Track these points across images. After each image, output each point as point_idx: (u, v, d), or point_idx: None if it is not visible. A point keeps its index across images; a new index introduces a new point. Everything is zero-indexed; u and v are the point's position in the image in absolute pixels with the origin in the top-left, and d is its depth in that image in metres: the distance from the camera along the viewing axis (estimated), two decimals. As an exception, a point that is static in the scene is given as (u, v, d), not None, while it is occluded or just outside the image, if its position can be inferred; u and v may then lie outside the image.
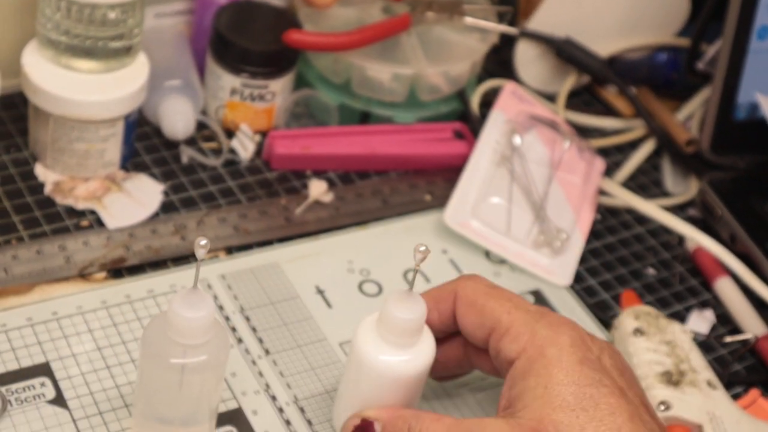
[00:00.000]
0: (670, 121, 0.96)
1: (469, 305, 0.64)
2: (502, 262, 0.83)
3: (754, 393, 0.76)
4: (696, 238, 0.85)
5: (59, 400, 0.66)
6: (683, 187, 0.94)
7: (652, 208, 0.88)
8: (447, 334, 0.67)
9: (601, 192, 0.90)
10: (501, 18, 0.94)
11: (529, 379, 0.60)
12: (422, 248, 0.61)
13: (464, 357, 0.68)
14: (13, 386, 0.66)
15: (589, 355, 0.61)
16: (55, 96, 0.77)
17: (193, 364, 0.60)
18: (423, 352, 0.64)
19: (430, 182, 0.88)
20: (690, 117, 0.98)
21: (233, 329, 0.73)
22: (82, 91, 0.78)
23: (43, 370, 0.67)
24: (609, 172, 0.93)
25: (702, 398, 0.72)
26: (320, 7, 0.88)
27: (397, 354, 0.63)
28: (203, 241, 0.57)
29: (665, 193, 0.94)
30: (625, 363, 0.63)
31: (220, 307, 0.74)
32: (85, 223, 0.78)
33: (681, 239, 0.89)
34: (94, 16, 0.76)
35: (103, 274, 0.75)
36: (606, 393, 0.59)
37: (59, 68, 0.78)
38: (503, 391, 0.62)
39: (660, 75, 1.00)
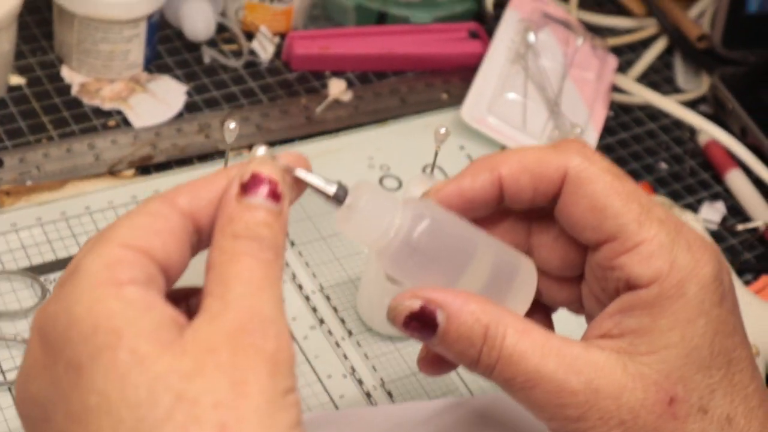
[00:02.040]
0: (682, 18, 0.97)
1: (584, 196, 0.50)
2: (518, 157, 0.85)
3: (764, 279, 0.78)
4: (709, 130, 0.87)
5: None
6: (695, 84, 0.95)
7: (666, 102, 0.89)
8: (517, 206, 0.53)
9: (614, 89, 0.92)
10: None
11: (661, 318, 0.49)
12: (442, 130, 0.60)
13: (524, 243, 0.55)
14: (51, 276, 0.69)
15: (725, 290, 0.51)
16: (79, -3, 0.79)
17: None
18: None
19: (446, 81, 0.90)
20: (702, 14, 0.99)
21: (259, 222, 0.75)
22: (106, -7, 0.79)
23: (79, 261, 0.70)
24: (621, 70, 0.94)
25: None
26: None
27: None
28: (232, 125, 0.58)
29: (677, 90, 0.95)
30: (731, 277, 0.52)
31: (246, 202, 0.76)
32: (112, 122, 0.80)
33: (692, 134, 0.90)
34: None
35: (131, 171, 0.77)
36: (737, 343, 0.50)
37: (82, -30, 0.80)
38: (609, 310, 0.51)
39: (672, -27, 1.01)
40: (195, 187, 0.45)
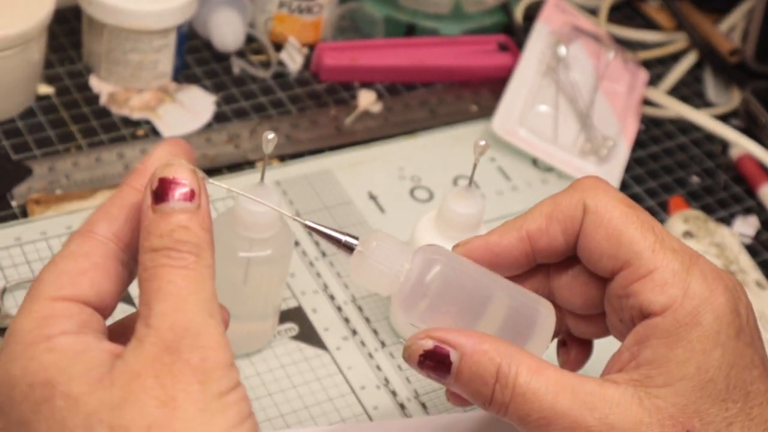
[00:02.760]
0: (713, 33, 0.97)
1: (600, 225, 0.52)
2: (549, 169, 0.84)
3: (800, 293, 0.77)
4: (742, 143, 0.86)
5: (125, 298, 0.68)
6: (725, 98, 0.95)
7: (699, 116, 0.89)
8: (554, 257, 0.54)
9: (645, 102, 0.91)
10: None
11: (677, 348, 0.49)
12: (482, 142, 0.61)
13: (545, 287, 0.56)
14: (82, 284, 0.68)
15: (742, 323, 0.50)
16: (109, 6, 0.78)
17: (259, 257, 0.62)
18: None
19: (476, 93, 0.89)
20: (732, 29, 0.98)
21: (290, 232, 0.75)
22: (136, 1, 0.79)
23: (109, 269, 0.69)
24: (651, 84, 0.94)
25: (752, 298, 0.73)
26: None
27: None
28: (270, 135, 0.58)
29: (707, 104, 0.94)
30: (753, 311, 0.53)
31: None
32: (140, 132, 0.80)
33: (724, 148, 0.89)
34: (147, -74, 0.77)
35: (161, 181, 0.76)
36: (756, 377, 0.50)
37: (112, -21, 0.79)
38: (627, 343, 0.51)
39: (701, -13, 1.00)
40: (107, 210, 0.47)
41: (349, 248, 0.51)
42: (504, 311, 0.52)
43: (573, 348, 0.57)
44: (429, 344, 0.49)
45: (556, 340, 0.57)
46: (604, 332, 0.55)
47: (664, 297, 0.49)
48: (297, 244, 0.74)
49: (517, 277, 0.55)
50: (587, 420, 0.48)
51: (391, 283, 0.51)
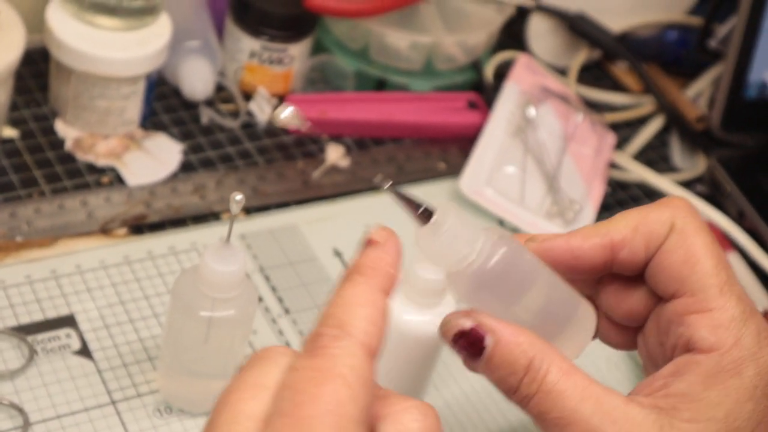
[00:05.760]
0: (680, 98, 0.97)
1: (682, 247, 0.51)
2: (515, 231, 0.84)
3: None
4: (705, 212, 0.87)
5: (84, 352, 0.67)
6: (691, 164, 0.95)
7: (663, 182, 0.89)
8: (630, 270, 0.54)
9: (612, 165, 0.91)
10: (517, -10, 0.95)
11: (712, 390, 0.49)
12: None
13: (592, 288, 0.55)
14: (39, 336, 0.67)
15: None
16: (78, 52, 0.77)
17: (221, 317, 0.61)
18: (446, 313, 0.65)
19: (444, 151, 0.89)
20: (699, 95, 0.99)
21: (253, 288, 0.74)
22: (106, 48, 0.78)
23: (68, 321, 0.68)
24: (618, 146, 0.94)
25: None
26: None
27: (420, 314, 0.64)
28: (238, 197, 0.58)
29: (673, 169, 0.95)
30: None
31: (240, 266, 0.75)
32: (105, 179, 0.79)
33: (689, 214, 0.90)
34: (120, -27, 0.77)
35: (124, 230, 0.75)
36: None
37: (83, 24, 0.79)
38: (663, 372, 0.51)
39: (669, 52, 1.01)
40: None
41: (425, 217, 0.50)
42: (544, 302, 0.52)
43: None
44: (468, 324, 0.50)
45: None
46: (632, 345, 0.56)
47: (715, 338, 0.50)
48: (260, 300, 0.73)
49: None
50: (605, 431, 0.48)
51: (459, 261, 0.50)
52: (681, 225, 0.52)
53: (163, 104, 0.86)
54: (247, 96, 0.88)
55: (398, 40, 0.89)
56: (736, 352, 0.49)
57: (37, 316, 0.68)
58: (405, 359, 0.66)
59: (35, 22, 0.81)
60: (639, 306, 0.54)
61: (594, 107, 0.97)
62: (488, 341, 0.50)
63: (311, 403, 0.41)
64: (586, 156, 0.89)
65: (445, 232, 0.50)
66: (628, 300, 0.54)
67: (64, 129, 0.81)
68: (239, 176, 0.81)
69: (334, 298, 0.45)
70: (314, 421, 0.40)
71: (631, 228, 0.52)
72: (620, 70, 1.02)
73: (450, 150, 0.89)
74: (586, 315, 0.53)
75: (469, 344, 0.50)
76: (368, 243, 0.48)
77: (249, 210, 0.80)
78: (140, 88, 0.80)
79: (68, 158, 0.80)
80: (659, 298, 0.53)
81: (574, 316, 0.53)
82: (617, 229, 0.53)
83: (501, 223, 0.84)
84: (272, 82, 0.88)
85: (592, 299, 0.55)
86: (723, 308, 0.50)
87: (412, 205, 0.50)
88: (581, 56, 1.00)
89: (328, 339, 0.43)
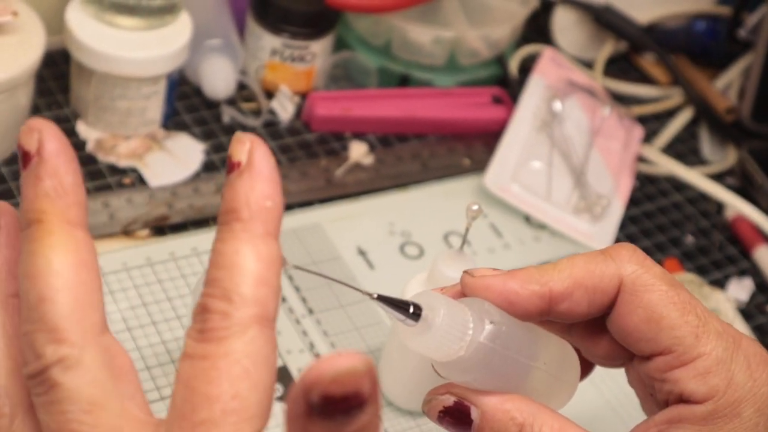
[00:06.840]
0: (709, 90, 0.96)
1: (639, 306, 0.49)
2: (542, 227, 0.83)
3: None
4: (736, 205, 0.85)
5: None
6: (720, 156, 0.94)
7: (693, 175, 0.88)
8: (569, 320, 0.51)
9: (640, 159, 0.90)
10: (541, -17, 0.94)
11: None
12: (475, 207, 0.59)
13: (564, 332, 0.53)
14: (61, 340, 0.66)
15: None
16: (99, 52, 0.77)
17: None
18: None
19: (469, 146, 0.88)
20: (728, 86, 0.98)
21: (277, 288, 0.73)
22: (126, 48, 0.77)
23: (90, 324, 0.67)
24: (646, 140, 0.93)
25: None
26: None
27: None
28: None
29: (702, 161, 0.93)
30: None
31: (264, 266, 0.74)
32: (127, 180, 0.78)
33: (720, 207, 0.88)
34: (139, -28, 0.76)
35: (146, 232, 0.75)
36: None
37: (103, 25, 0.78)
38: (657, 419, 0.49)
39: (697, 43, 1.00)
40: None
41: (414, 317, 0.47)
42: (543, 380, 0.50)
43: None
44: (450, 400, 0.48)
45: None
46: (620, 366, 0.53)
47: (706, 387, 0.48)
48: (284, 300, 0.72)
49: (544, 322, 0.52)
50: None
51: (454, 353, 0.48)
52: (630, 282, 0.49)
53: (185, 104, 0.85)
54: (269, 94, 0.87)
55: (421, 35, 0.88)
56: (731, 394, 0.48)
57: (59, 320, 0.67)
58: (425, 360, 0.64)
59: (55, 23, 0.80)
60: (619, 352, 0.51)
61: (621, 100, 0.96)
62: (474, 414, 0.48)
63: (208, 404, 0.37)
64: (613, 150, 0.87)
65: (434, 330, 0.47)
66: (601, 343, 0.51)
67: (85, 130, 0.81)
68: (262, 175, 0.81)
69: (215, 256, 0.39)
70: (213, 425, 0.37)
71: (573, 281, 0.49)
72: (648, 62, 1.00)
73: (475, 146, 0.88)
74: (574, 374, 0.51)
75: (456, 420, 0.48)
76: (232, 168, 0.40)
77: (272, 209, 0.79)
78: (161, 87, 0.80)
79: (90, 159, 0.79)
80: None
81: (565, 372, 0.51)
82: (559, 280, 0.49)
83: (527, 219, 0.83)
84: (294, 80, 0.87)
85: (567, 339, 0.52)
86: (705, 354, 0.48)
87: (400, 309, 0.47)
88: (607, 49, 0.98)
89: (218, 319, 0.37)
